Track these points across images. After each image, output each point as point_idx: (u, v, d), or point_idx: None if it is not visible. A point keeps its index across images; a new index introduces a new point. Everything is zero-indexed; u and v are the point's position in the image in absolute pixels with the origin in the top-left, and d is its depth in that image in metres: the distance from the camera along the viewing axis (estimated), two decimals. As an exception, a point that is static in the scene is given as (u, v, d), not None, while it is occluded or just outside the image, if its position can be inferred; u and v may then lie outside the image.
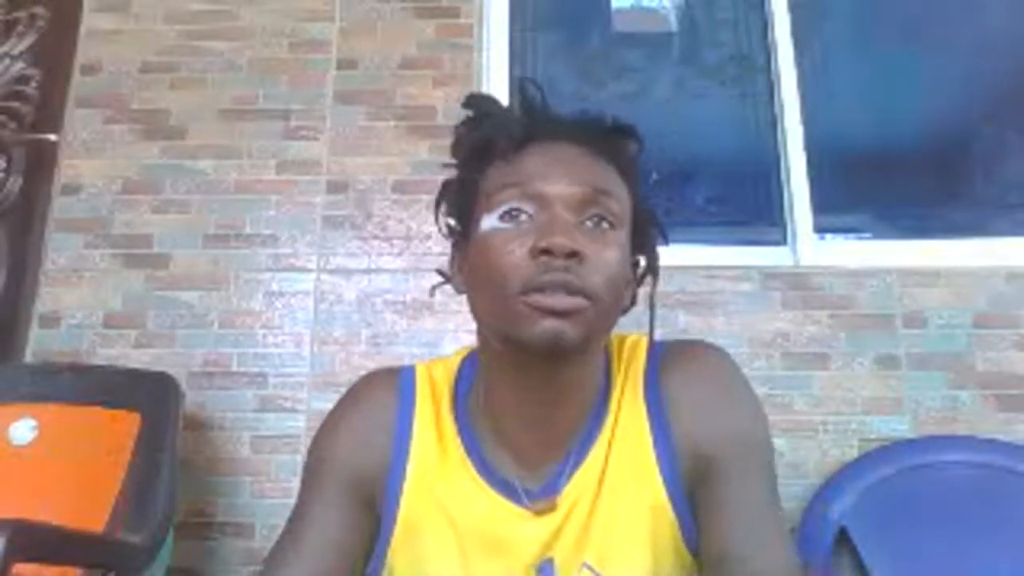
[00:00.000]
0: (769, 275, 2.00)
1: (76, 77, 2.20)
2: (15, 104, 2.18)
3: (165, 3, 2.24)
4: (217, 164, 2.12)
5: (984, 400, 1.88)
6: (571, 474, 0.70)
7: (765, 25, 2.25)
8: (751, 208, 2.18)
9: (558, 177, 0.67)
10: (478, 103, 0.75)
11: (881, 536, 1.66)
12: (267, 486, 1.89)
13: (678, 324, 1.96)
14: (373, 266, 2.04)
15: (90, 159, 2.14)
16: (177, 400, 1.69)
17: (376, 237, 2.05)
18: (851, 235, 2.12)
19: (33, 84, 2.20)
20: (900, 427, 1.86)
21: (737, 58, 2.30)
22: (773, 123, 2.18)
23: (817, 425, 1.88)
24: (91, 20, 2.25)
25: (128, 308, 2.02)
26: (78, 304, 2.03)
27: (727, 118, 2.28)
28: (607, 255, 0.66)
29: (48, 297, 2.04)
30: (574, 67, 2.37)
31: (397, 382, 0.78)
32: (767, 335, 1.95)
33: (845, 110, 2.25)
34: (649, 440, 0.71)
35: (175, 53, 2.20)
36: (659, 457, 0.70)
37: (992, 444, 1.78)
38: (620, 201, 0.69)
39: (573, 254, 0.63)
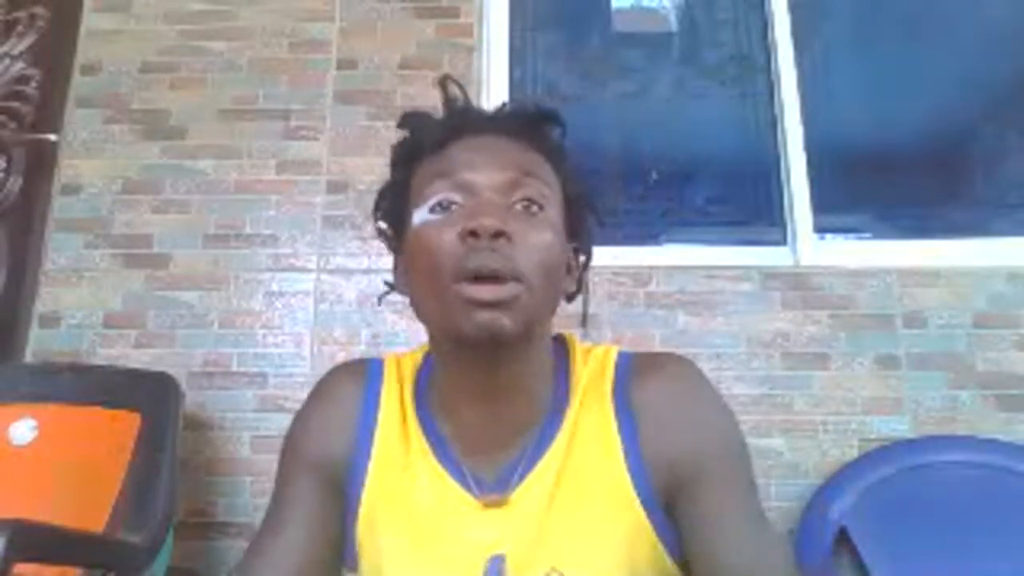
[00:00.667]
0: (769, 275, 2.00)
1: (76, 77, 2.20)
2: (15, 104, 2.18)
3: (165, 3, 2.24)
4: (217, 164, 2.12)
5: (984, 400, 1.88)
6: (525, 473, 0.70)
7: (765, 25, 2.25)
8: (751, 208, 2.18)
9: (484, 164, 0.67)
10: (411, 121, 0.76)
11: (881, 536, 1.66)
12: (267, 486, 1.85)
13: (678, 324, 1.96)
14: (373, 266, 2.04)
15: (90, 159, 2.14)
16: (177, 400, 1.69)
17: (376, 237, 2.03)
18: (851, 235, 2.12)
19: (33, 84, 2.19)
20: (900, 427, 1.86)
21: (737, 58, 2.30)
22: (773, 123, 2.18)
23: (817, 425, 1.88)
24: (91, 20, 2.25)
25: (128, 308, 2.02)
26: (78, 304, 2.03)
27: (727, 118, 2.28)
28: (537, 236, 0.66)
29: (48, 297, 2.04)
30: (574, 67, 2.37)
31: (364, 372, 0.78)
32: (767, 335, 1.95)
33: (845, 110, 2.25)
34: (620, 451, 0.69)
35: (175, 53, 2.20)
36: (631, 468, 0.68)
37: (992, 444, 1.78)
38: (548, 184, 0.70)
39: (500, 234, 0.63)
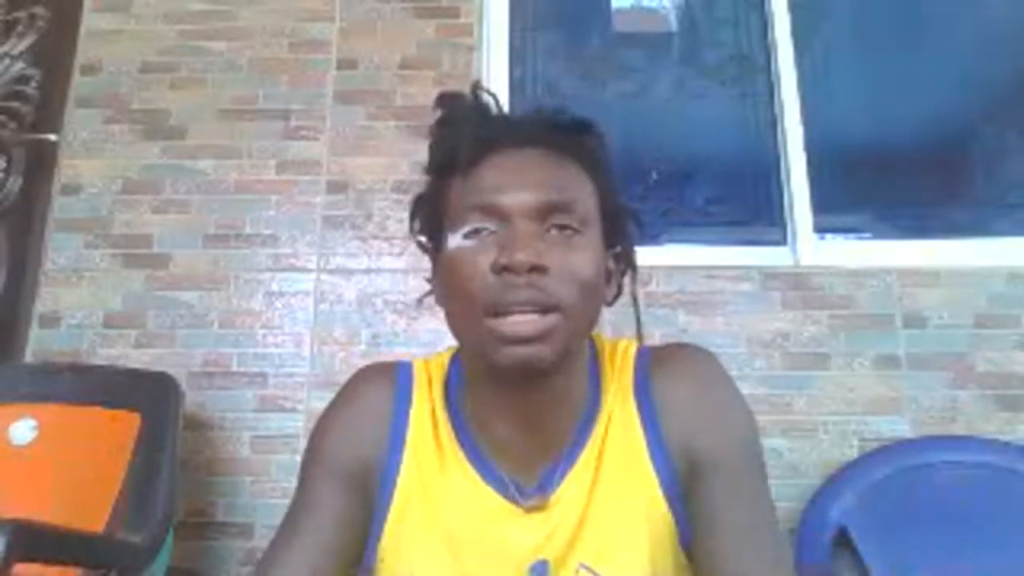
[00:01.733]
0: (769, 275, 2.00)
1: (76, 77, 2.20)
2: (15, 104, 2.18)
3: (165, 3, 2.24)
4: (217, 164, 2.12)
5: (984, 400, 1.88)
6: (563, 475, 0.71)
7: (765, 25, 2.25)
8: (751, 208, 2.18)
9: (517, 188, 0.66)
10: (447, 103, 0.74)
11: (881, 536, 1.66)
12: (267, 486, 1.89)
13: (678, 324, 1.96)
14: (373, 266, 2.04)
15: (90, 159, 2.14)
16: (177, 400, 1.69)
17: (376, 237, 2.05)
18: (851, 235, 2.12)
19: (33, 84, 2.19)
20: (900, 427, 1.86)
21: (737, 58, 2.29)
22: (773, 123, 2.18)
23: (817, 425, 1.88)
24: (91, 20, 2.25)
25: (128, 308, 2.02)
26: (78, 304, 2.03)
27: (727, 118, 2.28)
28: (574, 261, 0.65)
29: (48, 297, 2.04)
30: (574, 67, 2.36)
31: (394, 375, 0.78)
32: (767, 335, 1.95)
33: (845, 110, 2.25)
34: (643, 443, 0.71)
35: (175, 53, 2.20)
36: (653, 459, 0.70)
37: (992, 444, 1.78)
38: (584, 202, 0.69)
39: (535, 268, 0.62)
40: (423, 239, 0.75)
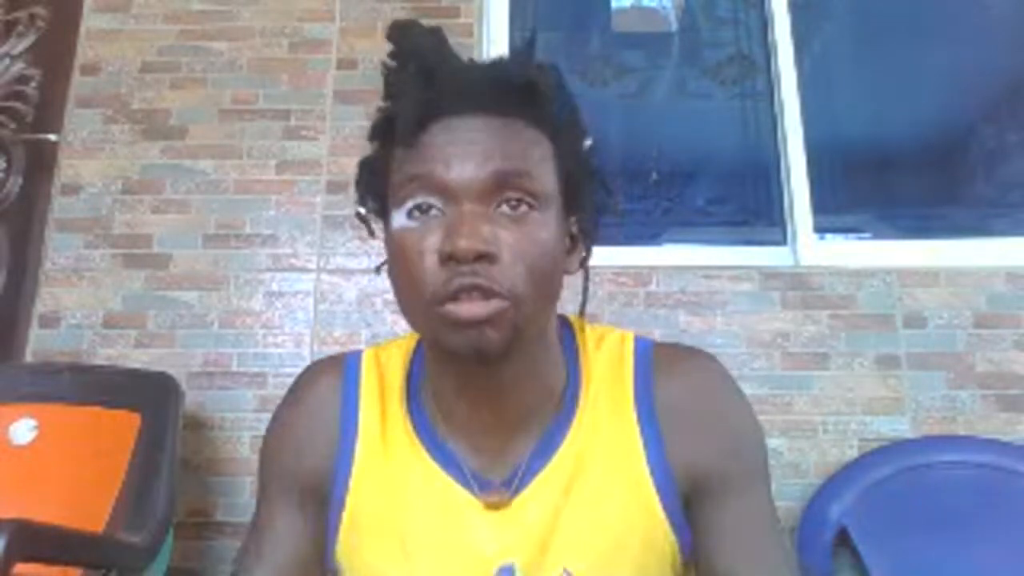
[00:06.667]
0: (769, 275, 1.99)
1: (76, 77, 2.20)
2: (15, 104, 2.18)
3: (165, 3, 2.24)
4: (217, 164, 2.12)
5: (984, 400, 1.87)
6: (535, 471, 0.66)
7: (765, 25, 2.25)
8: (751, 208, 2.18)
9: (463, 162, 0.59)
10: (398, 36, 0.68)
11: (881, 536, 1.66)
12: (267, 486, 1.89)
13: (678, 324, 1.96)
14: (373, 266, 2.04)
15: (90, 159, 2.14)
16: (177, 400, 1.69)
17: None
18: (851, 235, 2.12)
19: (33, 84, 2.19)
20: (900, 427, 1.86)
21: (737, 58, 2.30)
22: (773, 123, 2.17)
23: (817, 425, 1.88)
24: (91, 20, 2.25)
25: (128, 308, 2.02)
26: (78, 304, 2.03)
27: (727, 118, 2.28)
28: (527, 243, 0.59)
29: (48, 297, 2.04)
30: (574, 67, 2.37)
31: (341, 371, 0.74)
32: (767, 335, 1.95)
33: (845, 110, 2.25)
34: (643, 457, 0.66)
35: (175, 53, 2.20)
36: (652, 468, 0.65)
37: (992, 444, 1.78)
38: (540, 174, 0.62)
39: (480, 256, 0.57)
40: (363, 210, 0.69)
